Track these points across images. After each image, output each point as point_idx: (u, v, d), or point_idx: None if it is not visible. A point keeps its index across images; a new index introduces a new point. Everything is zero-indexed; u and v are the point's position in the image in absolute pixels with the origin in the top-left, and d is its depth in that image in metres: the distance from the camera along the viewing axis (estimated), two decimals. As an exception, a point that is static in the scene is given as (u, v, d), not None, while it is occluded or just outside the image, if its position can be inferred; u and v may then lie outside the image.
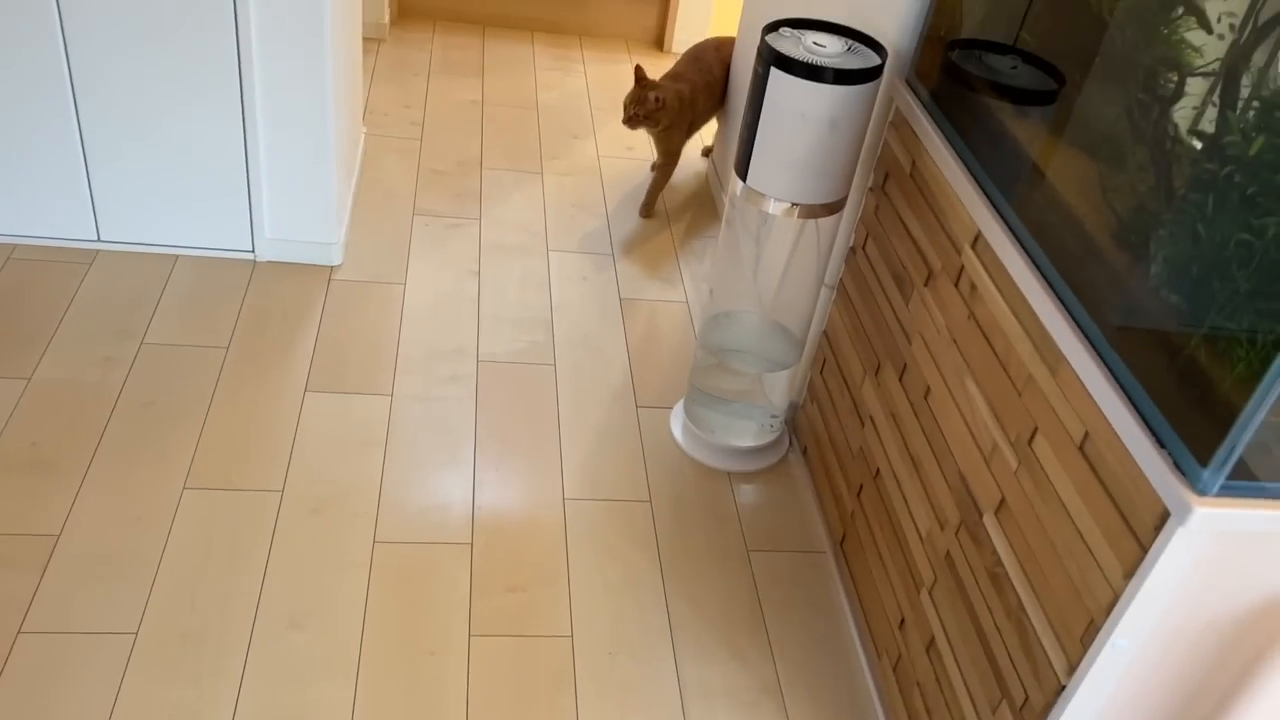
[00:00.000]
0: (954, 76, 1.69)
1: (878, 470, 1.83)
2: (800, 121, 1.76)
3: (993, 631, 1.41)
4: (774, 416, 2.21)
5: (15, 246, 2.44)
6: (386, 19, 3.73)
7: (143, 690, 1.60)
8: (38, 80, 2.22)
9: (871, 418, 1.87)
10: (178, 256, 2.50)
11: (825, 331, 2.13)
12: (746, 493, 2.14)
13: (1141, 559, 1.11)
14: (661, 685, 1.74)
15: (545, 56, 3.81)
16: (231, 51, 2.22)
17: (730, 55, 3.06)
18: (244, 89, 2.28)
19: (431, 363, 2.32)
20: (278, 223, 2.49)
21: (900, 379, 1.76)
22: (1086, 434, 1.22)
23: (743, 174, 1.88)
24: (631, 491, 2.09)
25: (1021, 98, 1.55)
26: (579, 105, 3.51)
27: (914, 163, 1.75)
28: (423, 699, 1.66)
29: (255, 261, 2.53)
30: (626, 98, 2.76)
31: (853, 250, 2.01)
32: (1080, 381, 1.23)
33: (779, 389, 2.17)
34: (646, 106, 2.73)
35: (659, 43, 4.07)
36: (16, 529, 1.80)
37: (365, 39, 3.69)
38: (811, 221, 1.93)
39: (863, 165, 1.97)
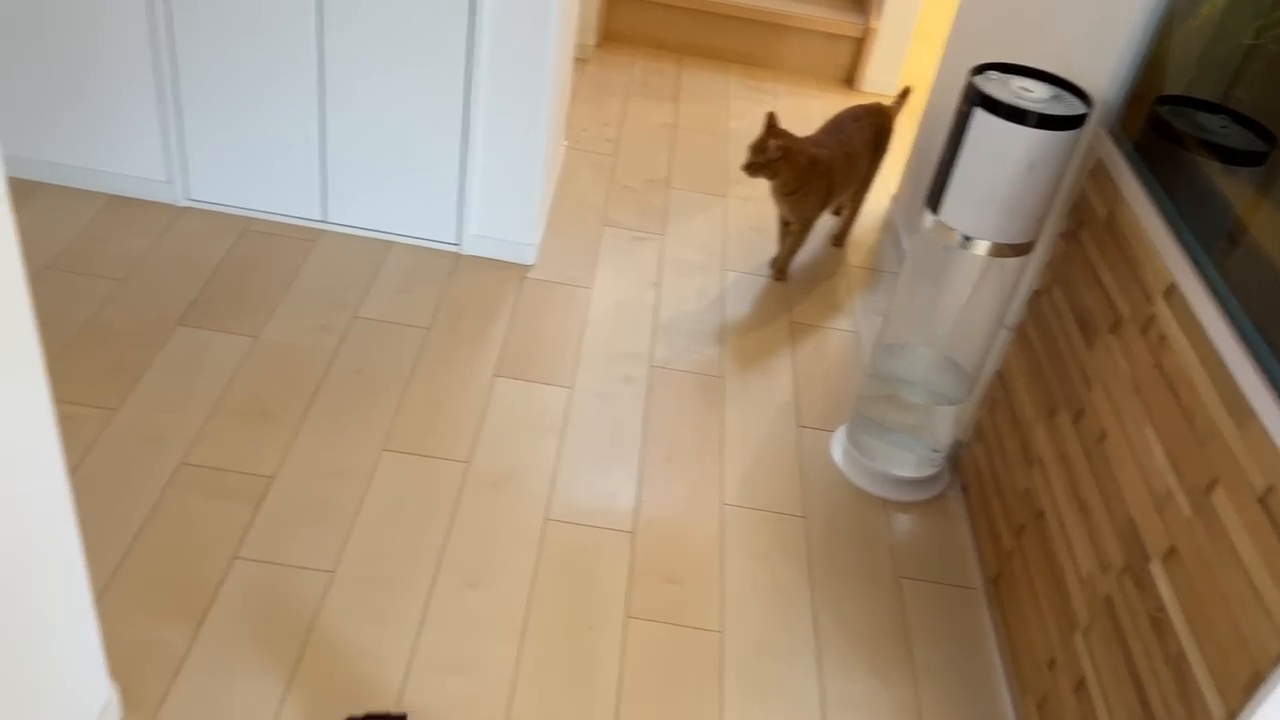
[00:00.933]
0: (1160, 131, 1.71)
1: (1041, 511, 1.84)
2: (999, 161, 1.81)
3: (1149, 676, 1.42)
4: (935, 451, 2.24)
5: (252, 220, 2.70)
6: (592, 41, 3.94)
7: (335, 623, 1.77)
8: (294, 72, 2.48)
9: (1040, 459, 1.89)
10: (392, 242, 2.72)
11: (999, 372, 2.15)
12: (901, 521, 2.18)
13: (1316, 613, 1.12)
14: (804, 692, 1.80)
15: (739, 86, 3.94)
16: (462, 60, 2.43)
17: (880, 125, 2.87)
18: (468, 97, 2.48)
19: (609, 362, 2.45)
20: (483, 220, 2.68)
21: (1075, 423, 1.77)
22: (1270, 488, 1.23)
23: (934, 207, 1.94)
24: (787, 505, 2.16)
25: (1230, 157, 1.56)
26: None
27: (1110, 212, 1.78)
28: (580, 669, 1.77)
29: (459, 254, 2.73)
30: (751, 144, 2.67)
31: (1037, 293, 2.03)
32: (1269, 437, 1.25)
33: (945, 424, 2.20)
34: (766, 155, 2.62)
35: (849, 80, 4.14)
36: (238, 467, 2.01)
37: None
38: (998, 261, 1.97)
39: (1059, 210, 2.00)
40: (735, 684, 1.80)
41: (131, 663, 1.65)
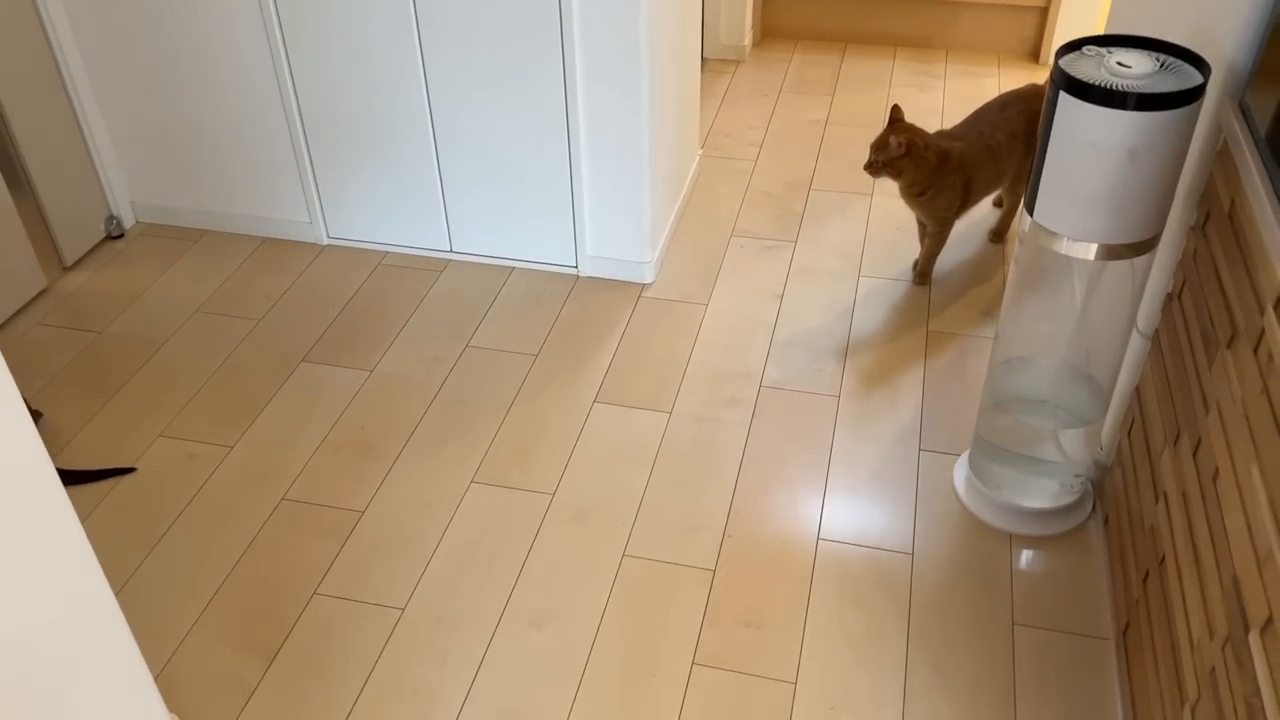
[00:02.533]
0: (1289, 100, 1.41)
1: (1163, 557, 1.57)
2: (1091, 152, 1.56)
3: (1243, 776, 1.16)
4: (1077, 476, 1.98)
5: (386, 254, 2.81)
6: (747, 41, 3.81)
7: (397, 663, 1.78)
8: (407, 116, 2.54)
9: (1166, 495, 1.61)
10: (513, 268, 2.74)
11: (1138, 388, 1.87)
12: (1028, 559, 1.94)
13: (1399, 730, 0.87)
14: (881, 753, 1.63)
15: (904, 72, 3.68)
16: (559, 92, 2.40)
17: (1035, 112, 2.55)
18: (569, 125, 2.45)
19: (715, 384, 2.34)
20: (597, 241, 2.64)
21: (1194, 454, 1.50)
22: (1359, 557, 0.97)
23: (1030, 208, 1.71)
24: (894, 541, 1.98)
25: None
26: (927, 123, 3.35)
27: (1233, 202, 1.49)
28: (634, 717, 1.69)
29: (578, 276, 2.70)
30: (873, 141, 2.44)
31: (1169, 297, 1.74)
32: (1358, 490, 0.98)
33: (1078, 446, 1.94)
34: (887, 152, 2.39)
35: (1035, 54, 3.77)
36: (333, 502, 2.08)
37: (723, 61, 3.79)
38: (1117, 262, 1.70)
39: (1186, 200, 1.70)
40: (803, 741, 1.65)
41: (206, 696, 1.74)
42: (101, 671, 1.44)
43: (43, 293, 2.67)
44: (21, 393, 2.34)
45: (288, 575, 1.94)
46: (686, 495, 2.08)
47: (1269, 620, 1.16)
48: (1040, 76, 3.59)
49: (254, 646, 1.81)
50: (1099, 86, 1.52)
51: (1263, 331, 1.30)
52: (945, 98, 3.51)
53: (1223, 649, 1.28)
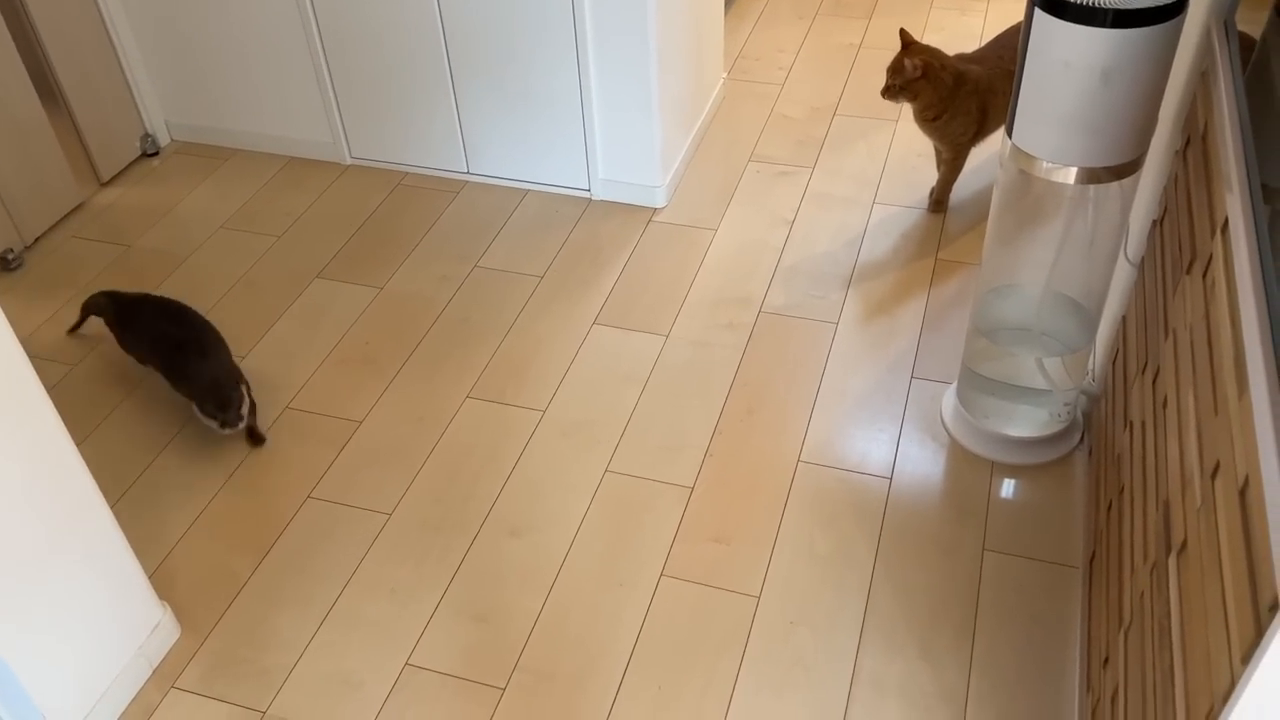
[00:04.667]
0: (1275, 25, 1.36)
1: (1123, 487, 1.57)
2: (1068, 72, 1.52)
3: (1150, 695, 1.18)
4: (1066, 405, 1.96)
5: (405, 174, 2.85)
6: (786, -39, 3.73)
7: (378, 564, 1.87)
8: (421, 37, 2.57)
9: (1132, 424, 1.60)
10: (528, 191, 2.77)
11: (1124, 317, 1.84)
12: (1008, 488, 1.94)
13: (1255, 646, 0.87)
14: (834, 667, 1.67)
15: (947, -6, 3.57)
16: (568, 14, 2.39)
17: None
18: (579, 47, 2.45)
19: (715, 309, 2.36)
20: (609, 165, 2.65)
21: (1153, 383, 1.48)
22: (1247, 478, 0.97)
23: (1009, 130, 1.67)
24: (874, 466, 1.99)
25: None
26: (964, 47, 3.25)
27: (1207, 125, 1.44)
28: (598, 627, 1.75)
29: (590, 199, 2.72)
30: (889, 64, 2.39)
31: (1154, 224, 1.70)
32: (1253, 412, 0.98)
33: (1063, 374, 1.92)
34: (904, 75, 2.34)
35: (1087, -24, 3.61)
36: (334, 412, 2.17)
37: (759, -17, 3.71)
38: (1100, 186, 1.67)
39: (1173, 123, 1.65)
40: (759, 652, 1.70)
41: (199, 589, 1.85)
42: (84, 556, 1.54)
43: (79, 207, 2.78)
44: (57, 303, 2.45)
45: (285, 479, 2.03)
46: (673, 415, 2.11)
47: (1183, 544, 1.16)
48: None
49: (247, 544, 1.92)
50: (1075, 3, 1.47)
51: (1210, 256, 1.27)
52: (987, 21, 3.40)
53: (1151, 573, 1.28)
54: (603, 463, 2.02)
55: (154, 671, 1.71)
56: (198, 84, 2.89)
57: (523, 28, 2.47)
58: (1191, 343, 1.29)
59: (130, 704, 1.67)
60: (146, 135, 2.96)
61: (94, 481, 1.54)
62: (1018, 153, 1.66)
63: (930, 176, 2.71)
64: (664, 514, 1.92)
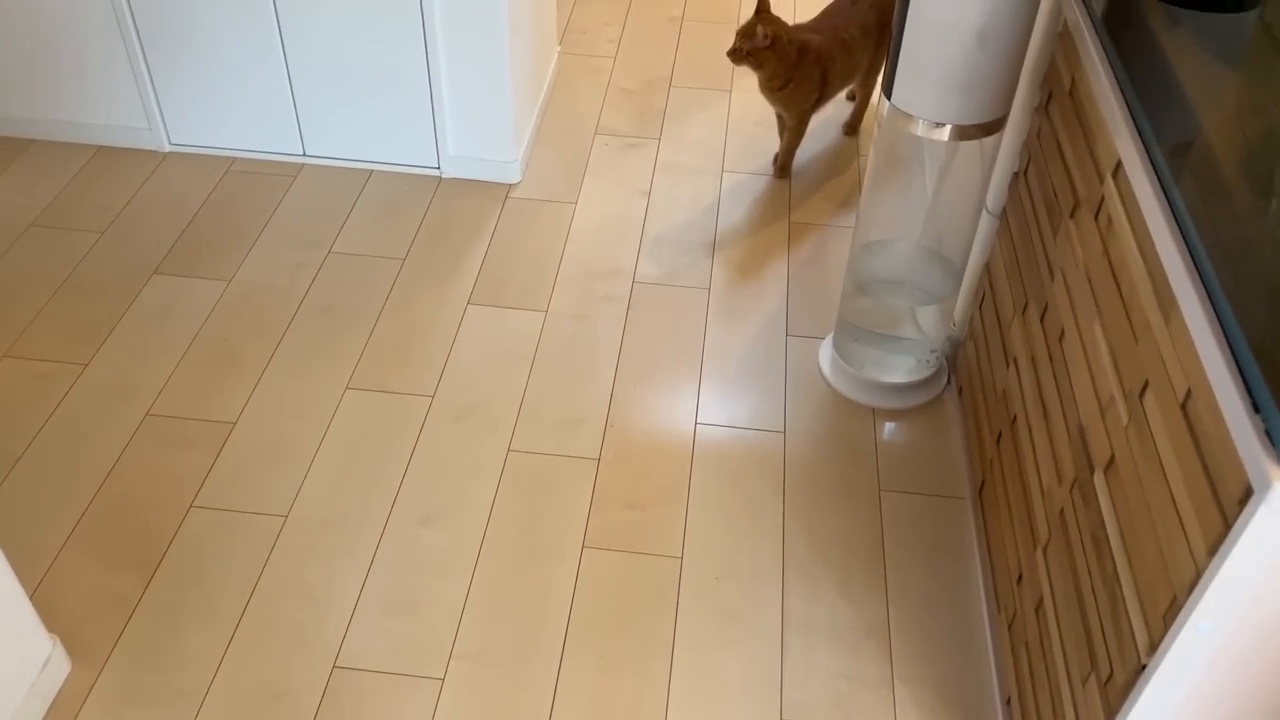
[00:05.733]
0: (1124, -19, 1.50)
1: (1015, 417, 1.70)
2: (946, 34, 1.62)
3: (1089, 598, 1.29)
4: (932, 351, 2.10)
5: (235, 159, 2.68)
6: (598, -64, 3.74)
7: (283, 569, 1.77)
8: (247, 11, 2.41)
9: (1016, 360, 1.73)
10: (372, 171, 2.66)
11: (988, 264, 1.98)
12: (890, 430, 2.06)
13: (1225, 535, 0.98)
14: (763, 616, 1.73)
15: (755, -30, 3.69)
16: (411, -26, 2.32)
17: (885, 5, 2.60)
18: (425, 18, 2.37)
19: (589, 282, 2.36)
20: (459, 141, 2.59)
21: (1041, 320, 1.62)
22: (1189, 391, 1.08)
23: (889, 92, 1.77)
24: (766, 421, 2.06)
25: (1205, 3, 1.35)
26: (784, 19, 3.39)
27: (1073, 80, 1.58)
28: (529, 602, 1.73)
29: (440, 177, 2.65)
30: (740, 28, 2.45)
31: (1016, 176, 1.85)
32: (1188, 331, 1.09)
33: (934, 323, 2.05)
34: (753, 41, 2.40)
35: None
36: (201, 415, 2.02)
37: (575, -43, 3.71)
38: (968, 144, 1.79)
39: (1030, 81, 1.79)
40: (691, 610, 1.73)
41: (85, 615, 1.69)
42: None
43: None
44: None
45: (160, 491, 1.88)
46: (567, 390, 2.11)
47: (1111, 459, 1.28)
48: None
49: (131, 563, 1.77)
50: (952, -31, 1.57)
51: (1102, 198, 1.40)
52: (798, -6, 3.54)
53: (1070, 491, 1.41)
54: (504, 443, 2.00)
55: (49, 709, 1.55)
56: (-17, 67, 2.60)
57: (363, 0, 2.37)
58: (1090, 279, 1.41)
59: (23, 751, 1.52)
60: (-78, 127, 2.64)
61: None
62: (896, 113, 1.76)
63: (771, 143, 2.81)
64: (575, 487, 1.92)
